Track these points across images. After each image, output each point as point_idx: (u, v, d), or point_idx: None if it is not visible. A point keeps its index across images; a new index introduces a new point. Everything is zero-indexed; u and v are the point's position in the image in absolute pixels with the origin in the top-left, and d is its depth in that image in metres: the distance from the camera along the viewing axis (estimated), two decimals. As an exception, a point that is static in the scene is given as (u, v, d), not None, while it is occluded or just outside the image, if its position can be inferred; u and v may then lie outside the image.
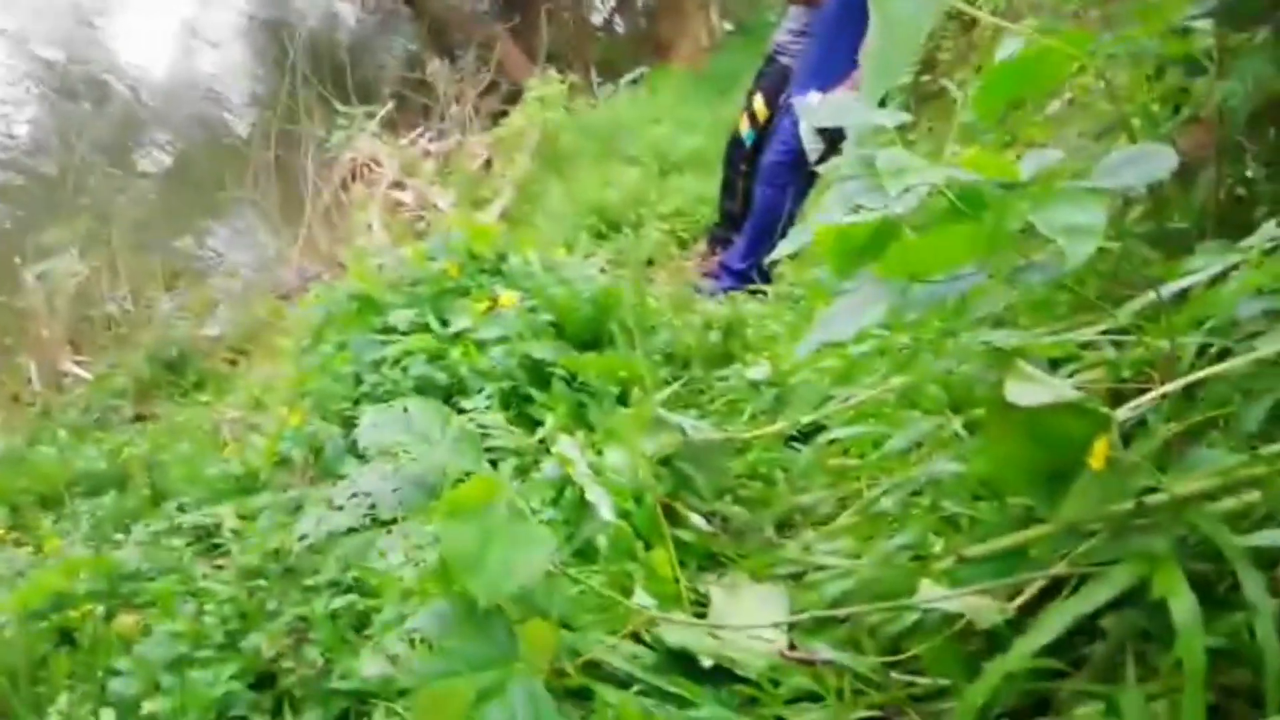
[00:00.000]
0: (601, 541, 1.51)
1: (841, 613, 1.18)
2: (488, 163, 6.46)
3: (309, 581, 1.76)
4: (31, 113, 8.29)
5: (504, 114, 7.41)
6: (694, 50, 11.91)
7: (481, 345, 2.17)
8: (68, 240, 4.73)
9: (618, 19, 15.20)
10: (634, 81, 8.94)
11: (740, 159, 4.18)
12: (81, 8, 10.75)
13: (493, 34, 11.60)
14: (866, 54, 1.38)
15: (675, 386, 2.10)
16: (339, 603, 1.62)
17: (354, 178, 5.87)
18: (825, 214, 1.26)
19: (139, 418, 3.69)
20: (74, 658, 1.82)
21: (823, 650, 1.23)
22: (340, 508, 1.06)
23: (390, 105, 7.59)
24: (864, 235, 1.07)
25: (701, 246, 4.47)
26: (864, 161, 1.09)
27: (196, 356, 4.27)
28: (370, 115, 7.06)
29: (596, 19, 14.61)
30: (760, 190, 3.67)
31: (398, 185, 5.57)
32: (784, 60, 4.02)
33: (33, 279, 4.45)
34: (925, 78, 4.52)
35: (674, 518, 1.59)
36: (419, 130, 7.29)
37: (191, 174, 8.24)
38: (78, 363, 4.31)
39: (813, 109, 3.43)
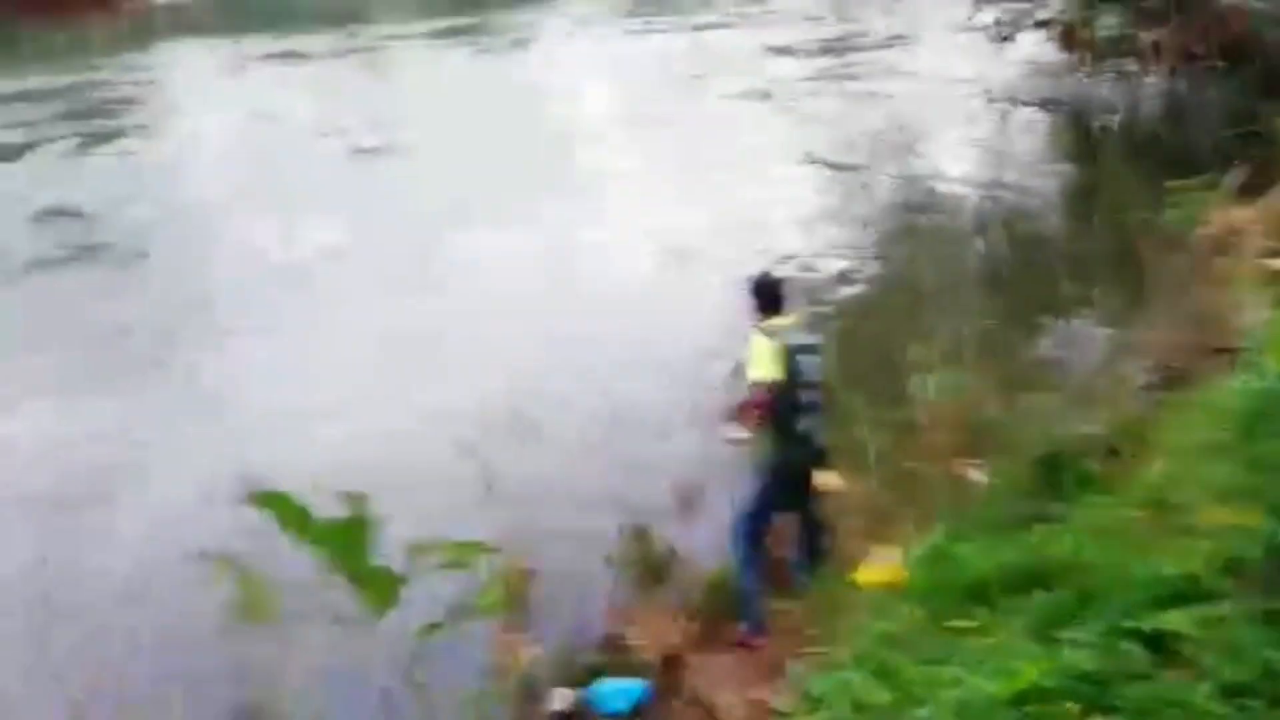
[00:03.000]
0: None
1: None
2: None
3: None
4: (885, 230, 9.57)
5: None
6: None
7: None
8: (935, 356, 5.28)
9: None
10: None
11: None
12: (905, 130, 12.25)
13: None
14: None
15: None
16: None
17: (1209, 255, 5.40)
18: None
19: (1033, 518, 3.82)
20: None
21: None
22: None
23: (1233, 169, 6.88)
24: None
25: None
26: None
27: (1072, 456, 4.30)
28: (1211, 184, 6.49)
29: None
30: None
31: (1274, 253, 4.93)
32: None
33: (916, 393, 5.06)
34: None
35: None
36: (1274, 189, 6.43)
37: (1017, 275, 8.58)
38: (969, 465, 4.73)
39: None
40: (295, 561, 1.69)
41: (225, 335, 7.39)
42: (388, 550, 1.68)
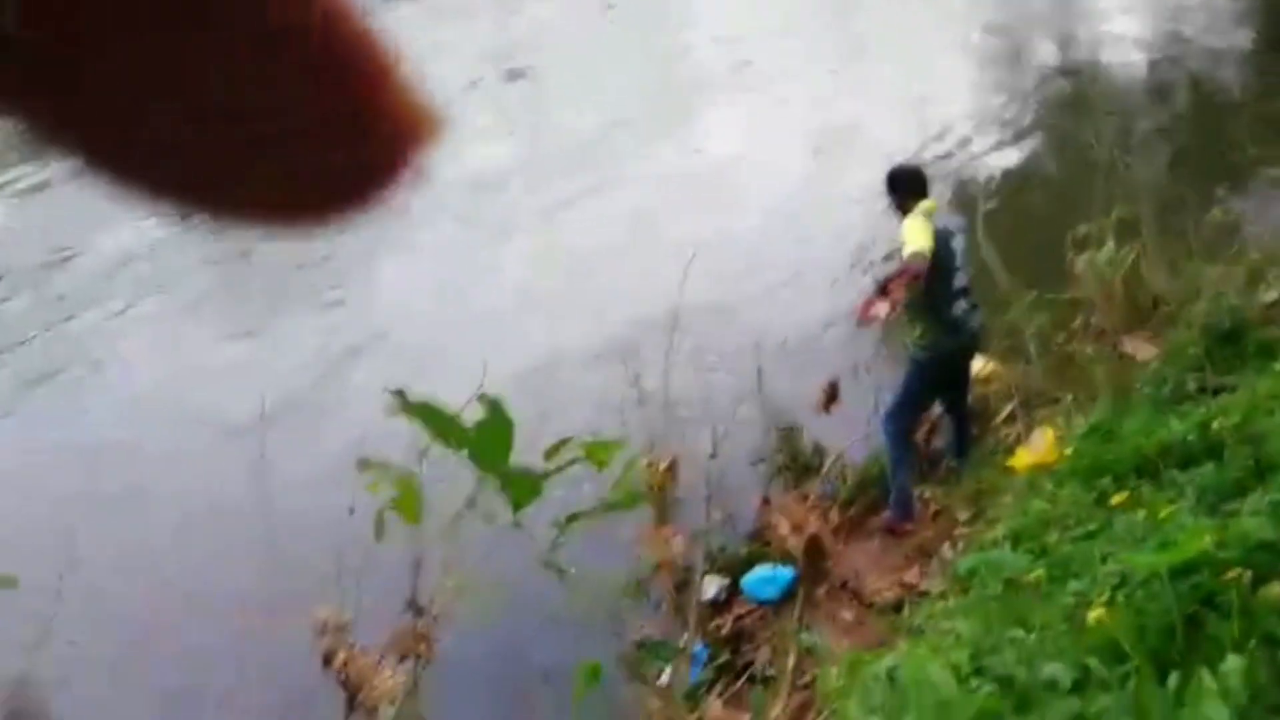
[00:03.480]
0: None
1: None
2: None
3: None
4: (1034, 114, 8.97)
5: None
6: None
7: None
8: (1104, 230, 4.94)
9: None
10: None
11: None
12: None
13: None
14: None
15: None
16: None
17: None
18: None
19: (1203, 390, 3.60)
20: (1224, 621, 1.82)
21: None
22: None
23: None
24: None
25: None
26: None
27: (1251, 325, 3.99)
28: None
29: None
30: None
31: None
32: None
33: (1081, 268, 4.78)
34: None
35: None
36: None
37: (1201, 144, 7.88)
38: (1135, 342, 4.47)
39: None
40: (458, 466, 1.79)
41: (410, 252, 7.77)
42: (537, 450, 1.75)
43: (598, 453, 2.09)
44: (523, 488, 1.99)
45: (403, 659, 3.19)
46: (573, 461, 2.01)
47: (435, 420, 1.95)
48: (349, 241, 8.31)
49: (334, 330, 6.92)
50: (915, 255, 4.15)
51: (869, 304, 4.55)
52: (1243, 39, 9.94)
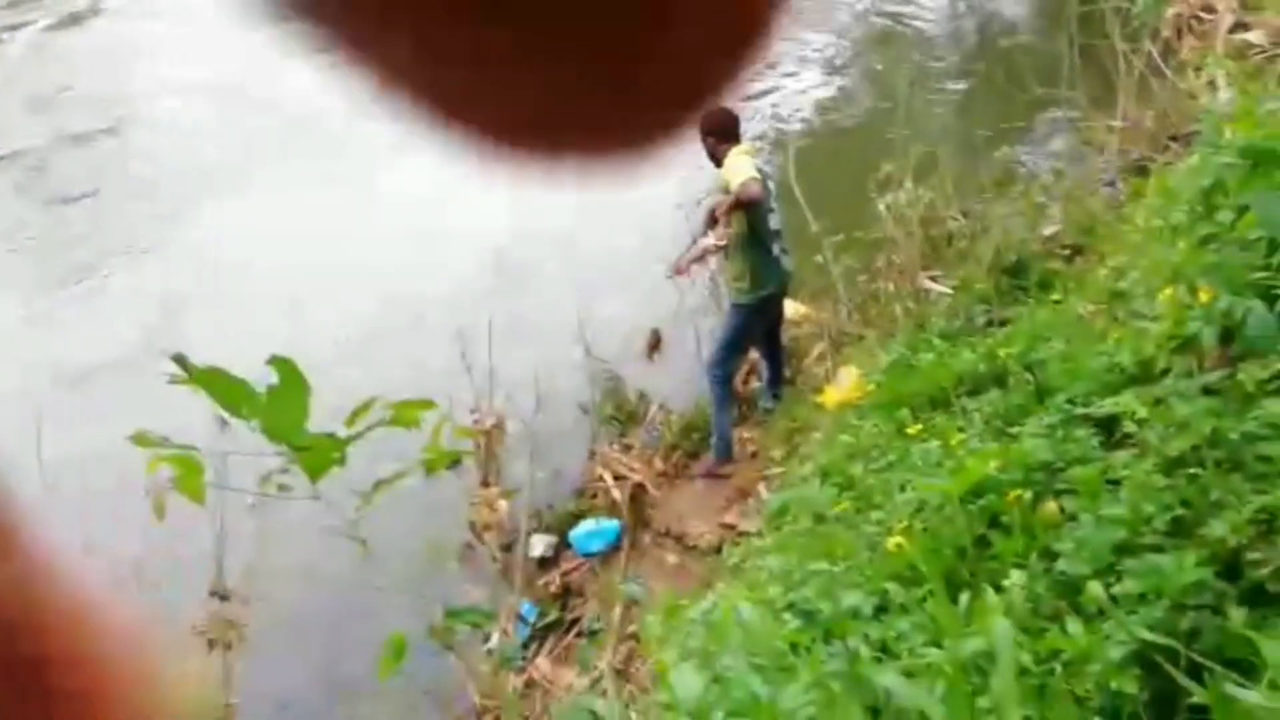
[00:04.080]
0: None
1: None
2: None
3: (1260, 470, 1.56)
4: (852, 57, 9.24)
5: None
6: None
7: None
8: (903, 171, 5.15)
9: None
10: None
11: None
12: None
13: None
14: None
15: None
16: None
17: (1178, 36, 5.20)
18: None
19: (991, 322, 3.84)
20: (1008, 539, 1.94)
21: None
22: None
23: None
24: None
25: None
26: None
27: (1035, 258, 4.28)
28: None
29: None
30: None
31: (1240, 26, 4.74)
32: None
33: (883, 210, 4.97)
34: None
35: None
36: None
37: (991, 85, 8.34)
38: (932, 279, 4.71)
39: None
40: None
41: (238, 198, 7.23)
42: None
43: (405, 413, 1.95)
44: (320, 456, 1.85)
45: (212, 647, 2.99)
46: (379, 424, 1.88)
47: (221, 388, 1.77)
48: (173, 184, 7.67)
49: (142, 291, 6.35)
50: (751, 180, 4.14)
51: (688, 261, 4.62)
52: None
